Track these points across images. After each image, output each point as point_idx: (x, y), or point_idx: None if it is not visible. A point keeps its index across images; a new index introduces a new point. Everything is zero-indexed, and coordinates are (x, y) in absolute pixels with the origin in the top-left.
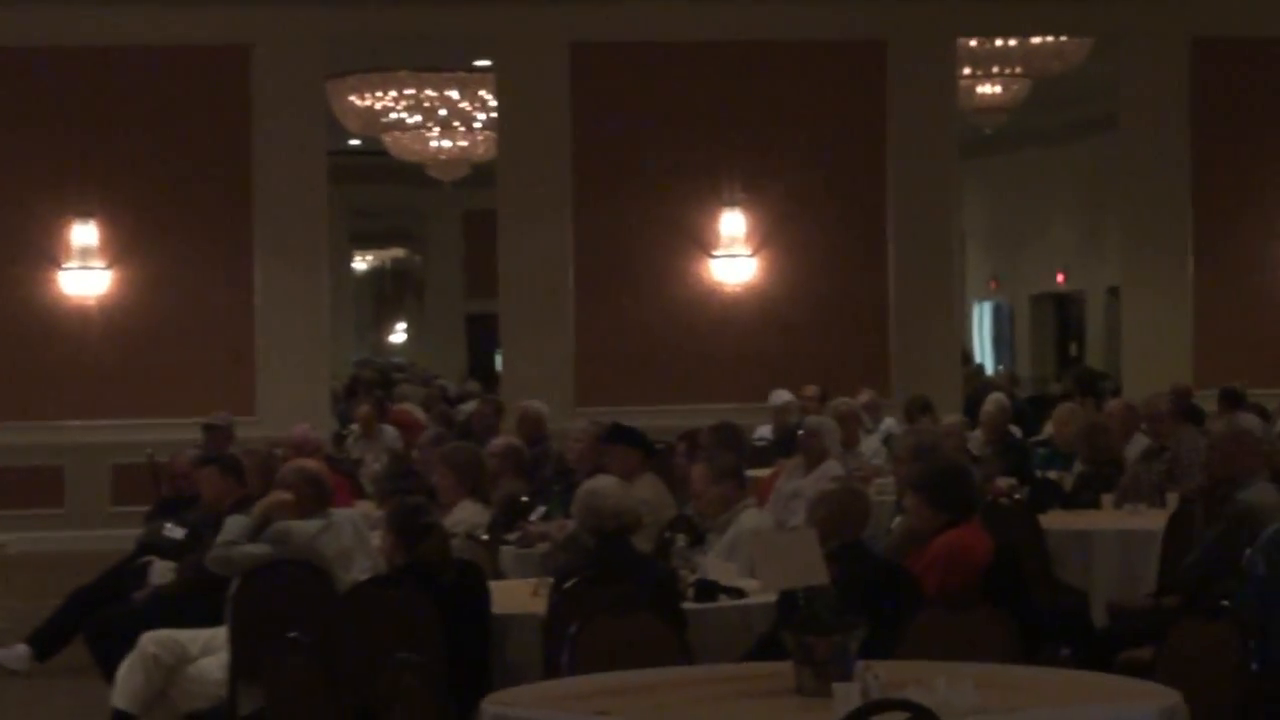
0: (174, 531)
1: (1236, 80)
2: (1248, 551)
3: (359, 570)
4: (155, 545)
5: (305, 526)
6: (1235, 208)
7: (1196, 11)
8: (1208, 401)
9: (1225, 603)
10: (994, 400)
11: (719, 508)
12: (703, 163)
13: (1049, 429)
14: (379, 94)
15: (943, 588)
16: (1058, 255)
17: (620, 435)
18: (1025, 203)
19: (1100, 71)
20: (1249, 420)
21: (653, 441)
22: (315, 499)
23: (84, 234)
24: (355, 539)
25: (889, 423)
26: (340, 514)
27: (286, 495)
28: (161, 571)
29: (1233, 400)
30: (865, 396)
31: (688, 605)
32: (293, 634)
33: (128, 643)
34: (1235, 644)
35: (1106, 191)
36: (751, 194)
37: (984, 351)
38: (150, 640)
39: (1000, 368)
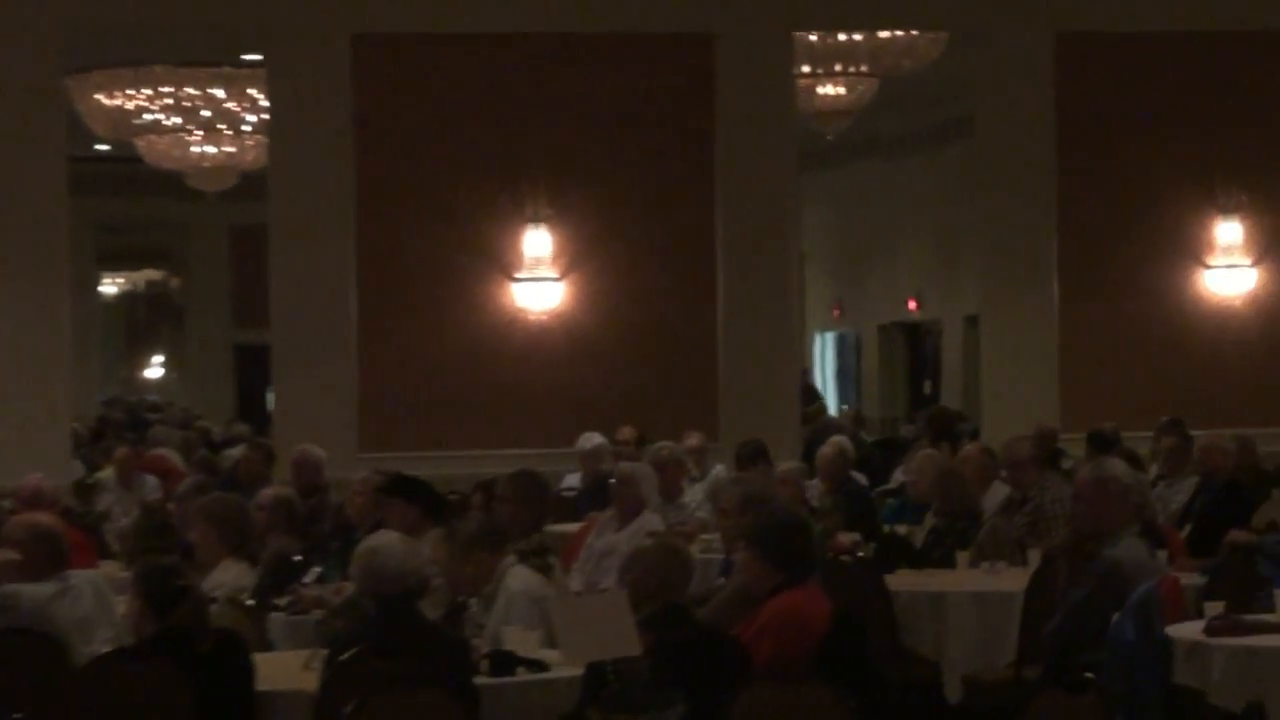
0: None
1: (1106, 80)
2: (1115, 615)
3: (100, 641)
4: None
5: (36, 591)
6: (1105, 224)
7: (1062, 4)
8: (1076, 446)
9: (1090, 675)
10: (834, 444)
11: (475, 586)
12: (504, 173)
13: (898, 476)
14: (131, 92)
15: (775, 658)
16: (909, 279)
17: (399, 488)
18: (872, 219)
19: (956, 71)
20: (1116, 466)
21: (442, 494)
22: (49, 558)
23: None
24: (96, 605)
25: (717, 470)
26: (79, 576)
27: (13, 554)
28: None
29: (1103, 444)
30: (690, 440)
31: (481, 680)
32: (18, 715)
33: None
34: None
35: (963, 206)
36: (559, 209)
37: (826, 388)
38: None
39: (844, 407)
